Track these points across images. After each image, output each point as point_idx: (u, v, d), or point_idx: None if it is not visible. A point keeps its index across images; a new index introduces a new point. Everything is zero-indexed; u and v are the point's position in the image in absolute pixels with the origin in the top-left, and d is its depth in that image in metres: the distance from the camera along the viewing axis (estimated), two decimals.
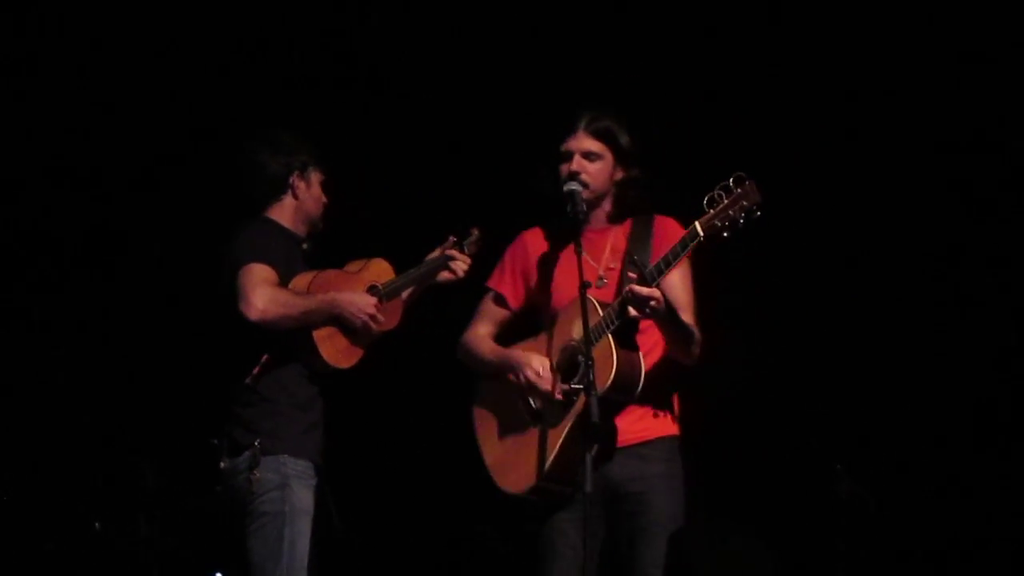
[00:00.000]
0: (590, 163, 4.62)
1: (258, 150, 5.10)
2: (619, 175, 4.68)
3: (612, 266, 4.63)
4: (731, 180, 4.32)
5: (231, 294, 4.85)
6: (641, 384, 4.45)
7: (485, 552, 6.44)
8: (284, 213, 5.09)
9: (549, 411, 4.55)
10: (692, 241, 4.33)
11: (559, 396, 4.50)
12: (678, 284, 4.50)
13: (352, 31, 6.70)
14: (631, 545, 4.50)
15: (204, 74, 6.67)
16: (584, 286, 4.33)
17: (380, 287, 5.03)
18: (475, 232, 5.24)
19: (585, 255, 4.42)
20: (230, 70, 6.66)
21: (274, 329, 4.82)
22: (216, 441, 4.93)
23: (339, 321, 4.91)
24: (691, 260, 4.48)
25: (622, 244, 4.66)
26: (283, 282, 4.89)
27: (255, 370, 4.85)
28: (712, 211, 4.33)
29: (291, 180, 5.09)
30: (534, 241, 4.79)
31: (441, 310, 5.09)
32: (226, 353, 4.96)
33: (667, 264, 4.35)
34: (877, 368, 6.29)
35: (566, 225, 4.65)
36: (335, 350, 4.91)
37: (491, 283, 4.84)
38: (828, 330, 6.32)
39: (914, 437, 6.25)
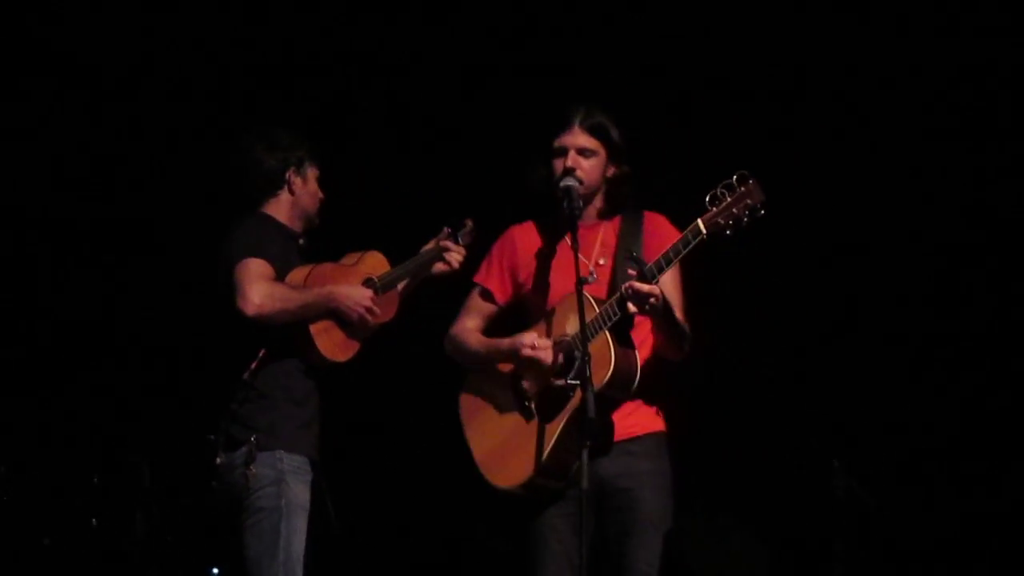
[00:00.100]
0: (585, 159, 4.61)
1: (254, 146, 5.09)
2: (611, 171, 4.67)
3: (602, 262, 4.62)
4: (734, 178, 4.31)
5: (228, 290, 4.84)
6: (637, 381, 4.45)
7: (481, 547, 6.44)
8: (280, 209, 5.09)
9: (543, 406, 4.54)
10: (695, 239, 4.32)
11: (559, 382, 4.47)
12: (669, 281, 4.48)
13: (347, 26, 6.69)
14: (620, 541, 4.49)
15: (201, 71, 6.66)
16: (581, 282, 4.32)
17: (376, 280, 5.03)
18: (469, 223, 5.24)
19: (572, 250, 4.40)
20: (226, 67, 6.65)
21: (271, 324, 4.81)
22: (212, 437, 4.91)
23: (336, 315, 4.91)
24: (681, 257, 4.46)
25: (612, 240, 4.65)
26: (280, 277, 4.88)
27: (252, 365, 4.84)
28: (715, 209, 4.31)
29: (287, 176, 5.09)
30: (522, 236, 4.78)
31: (437, 302, 5.08)
32: (223, 348, 4.94)
33: (668, 261, 4.34)
34: (876, 365, 6.30)
35: (556, 220, 4.65)
36: (332, 344, 4.91)
37: (478, 278, 4.83)
38: (826, 327, 6.33)
39: (912, 434, 6.25)
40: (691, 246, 4.33)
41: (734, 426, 6.26)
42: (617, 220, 4.68)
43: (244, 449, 4.80)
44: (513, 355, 4.58)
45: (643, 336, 4.54)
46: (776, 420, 6.25)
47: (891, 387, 6.28)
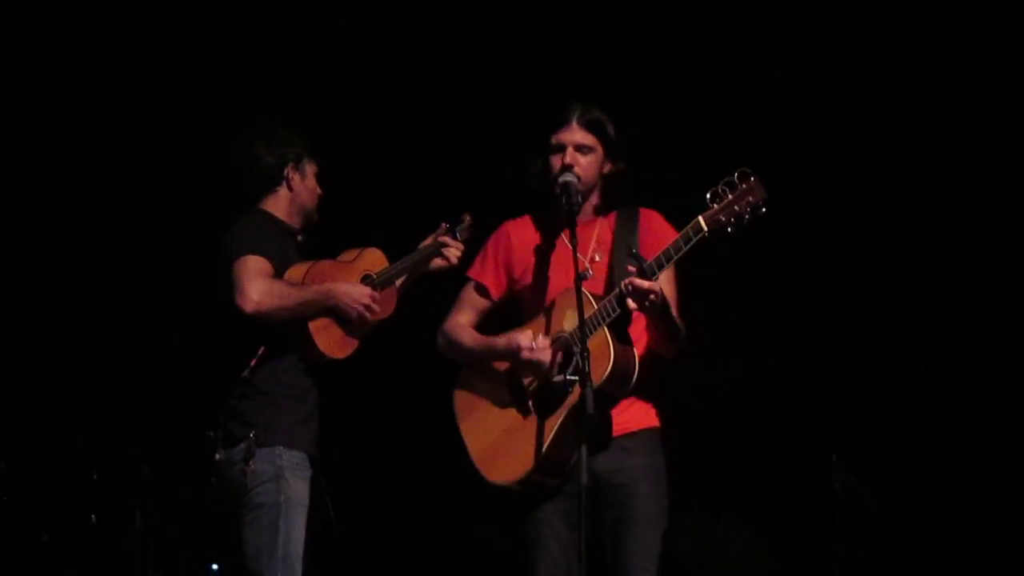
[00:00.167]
0: (582, 155, 4.59)
1: (252, 142, 5.08)
2: (607, 168, 4.66)
3: (597, 258, 4.61)
4: (735, 175, 4.29)
5: (226, 287, 4.83)
6: (635, 377, 4.45)
7: (479, 543, 6.44)
8: (279, 205, 5.08)
9: (540, 401, 4.53)
10: (696, 236, 4.29)
11: (557, 379, 4.47)
12: (664, 279, 4.44)
13: (344, 22, 6.68)
14: (615, 536, 4.47)
15: (198, 67, 6.64)
16: (580, 278, 4.31)
17: (374, 276, 5.03)
18: (467, 218, 5.22)
19: (571, 247, 4.39)
20: (223, 63, 6.63)
21: (269, 321, 4.81)
22: (211, 433, 4.91)
23: (334, 312, 4.91)
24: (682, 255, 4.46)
25: (607, 237, 4.64)
26: (278, 274, 4.88)
27: (252, 362, 4.84)
28: (716, 206, 4.29)
29: (286, 172, 5.08)
30: (517, 231, 4.76)
31: (435, 298, 5.07)
32: (222, 345, 4.94)
33: (668, 258, 4.32)
34: (875, 361, 6.30)
35: (552, 216, 4.64)
36: (330, 341, 4.91)
37: (471, 272, 4.81)
38: (824, 324, 6.33)
39: (911, 430, 6.26)
40: (692, 243, 4.30)
41: (733, 423, 6.26)
42: (612, 217, 4.67)
43: (243, 445, 4.79)
44: (509, 355, 4.57)
45: (638, 333, 4.53)
46: (775, 417, 6.25)
47: (890, 383, 6.28)
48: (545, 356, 4.49)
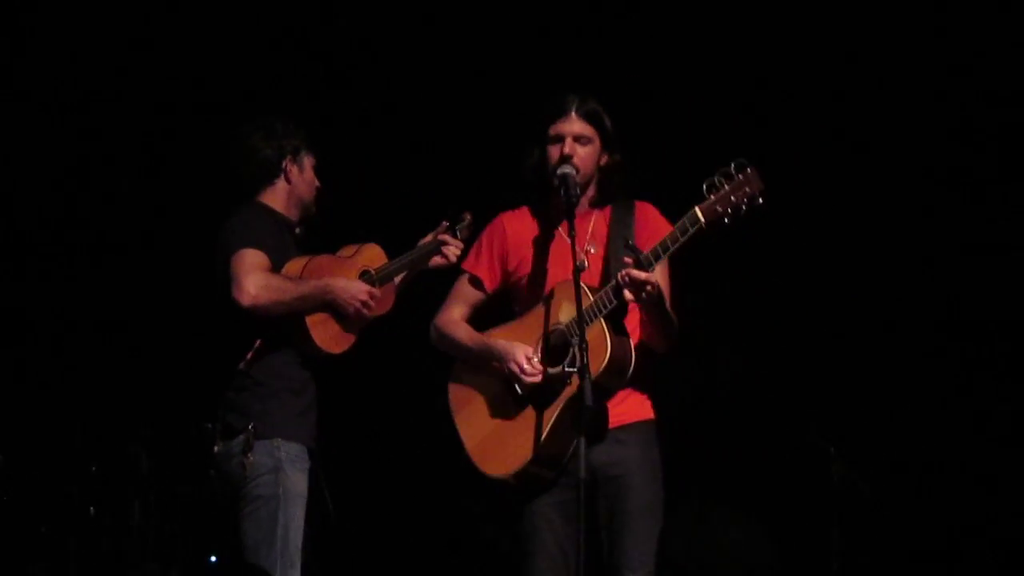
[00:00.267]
0: (581, 146, 4.59)
1: (251, 135, 5.07)
2: (603, 160, 4.66)
3: (592, 250, 4.61)
4: (732, 166, 4.28)
5: (223, 280, 4.83)
6: (632, 369, 4.45)
7: (477, 536, 6.44)
8: (277, 198, 5.07)
9: (537, 394, 4.53)
10: (693, 227, 4.28)
11: (554, 371, 4.46)
12: (658, 272, 4.44)
13: (344, 18, 6.68)
14: (611, 529, 4.48)
15: (196, 61, 6.64)
16: (578, 270, 4.31)
17: (373, 272, 5.02)
18: (467, 217, 5.21)
19: (568, 239, 4.39)
20: (221, 56, 6.63)
21: (266, 315, 4.80)
22: (210, 425, 4.92)
23: (332, 307, 4.90)
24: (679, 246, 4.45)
25: (603, 229, 4.63)
26: (276, 267, 4.87)
27: (248, 355, 4.84)
28: (713, 197, 4.28)
29: (284, 164, 5.07)
30: (512, 223, 4.76)
31: (434, 296, 5.07)
32: (219, 338, 4.94)
33: (665, 249, 4.32)
34: (873, 353, 6.30)
35: (549, 208, 4.64)
36: (327, 335, 4.90)
37: (467, 265, 4.81)
38: (822, 316, 6.32)
39: (909, 423, 6.25)
40: (689, 235, 4.29)
41: (731, 415, 6.26)
42: (608, 209, 4.67)
43: (241, 437, 4.79)
44: (503, 364, 4.56)
45: (632, 326, 4.53)
46: (773, 409, 6.25)
47: (889, 376, 6.28)
48: (536, 379, 4.49)
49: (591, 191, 4.67)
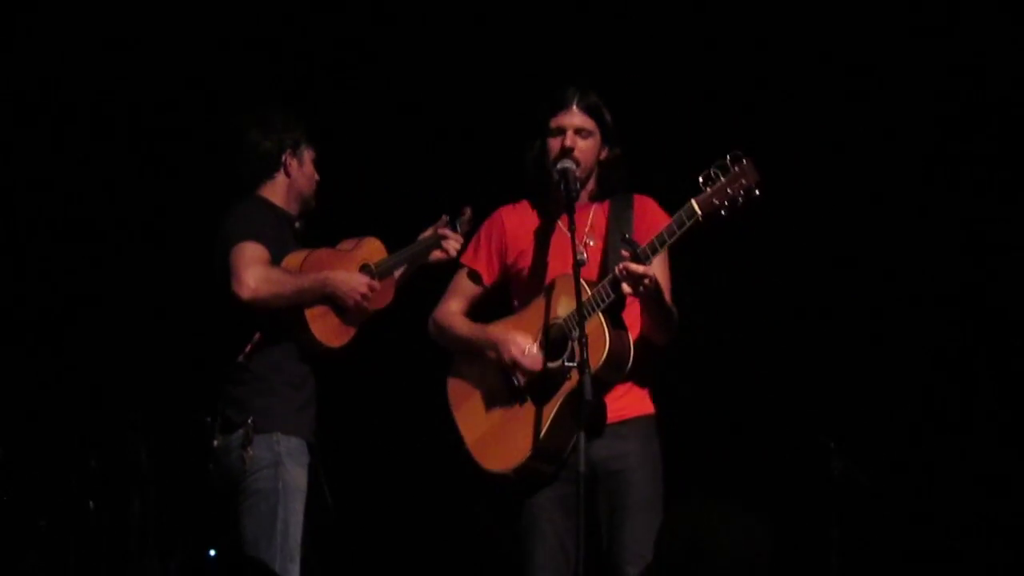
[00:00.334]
0: (582, 139, 4.60)
1: (250, 128, 5.08)
2: (603, 154, 4.66)
3: (591, 244, 4.61)
4: (727, 158, 4.28)
5: (223, 273, 4.83)
6: (631, 363, 4.44)
7: (477, 531, 6.44)
8: (276, 191, 5.07)
9: (536, 389, 4.53)
10: (690, 220, 4.28)
11: (553, 365, 4.47)
12: (657, 264, 4.44)
13: (343, 10, 6.68)
14: (611, 523, 4.49)
15: (195, 54, 6.64)
16: (578, 264, 4.31)
17: (372, 266, 5.02)
18: (467, 211, 5.22)
19: (567, 233, 4.39)
20: (220, 49, 6.63)
21: (265, 308, 4.80)
22: (209, 419, 4.92)
23: (331, 300, 4.90)
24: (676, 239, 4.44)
25: (602, 222, 4.63)
26: (275, 260, 4.87)
27: (247, 348, 4.84)
28: (710, 189, 4.28)
29: (283, 158, 5.07)
30: (511, 217, 4.76)
31: (433, 290, 5.08)
32: (218, 331, 4.94)
33: (662, 243, 4.32)
34: (873, 347, 6.29)
35: (548, 201, 4.64)
36: (327, 329, 4.90)
37: (465, 259, 4.82)
38: (822, 308, 6.32)
39: (909, 415, 6.25)
40: (686, 228, 4.29)
41: (730, 409, 6.25)
42: (607, 203, 4.67)
43: (241, 431, 4.80)
44: (501, 351, 4.56)
45: (631, 320, 4.53)
46: (772, 402, 6.24)
47: (888, 369, 6.27)
48: (536, 366, 4.49)
49: (591, 184, 4.67)
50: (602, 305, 4.39)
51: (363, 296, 4.91)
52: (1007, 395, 6.19)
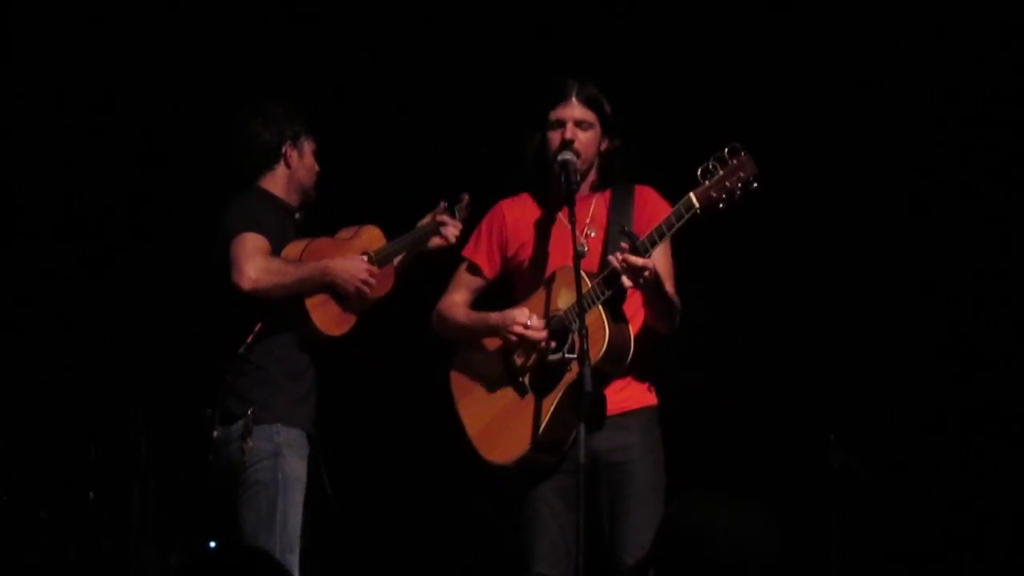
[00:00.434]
0: (582, 131, 4.61)
1: (250, 120, 5.07)
2: (604, 145, 4.66)
3: (592, 235, 4.61)
4: (725, 151, 4.29)
5: (224, 264, 4.84)
6: (631, 355, 4.44)
7: (478, 522, 6.44)
8: (276, 183, 5.08)
9: (537, 380, 4.53)
10: (688, 213, 4.30)
11: (554, 357, 4.47)
12: (660, 255, 4.46)
13: (341, 1, 6.68)
14: (613, 514, 4.50)
15: (194, 46, 6.64)
16: (578, 256, 4.31)
17: (372, 254, 5.02)
18: (465, 197, 5.22)
19: (567, 224, 4.39)
20: (219, 43, 6.62)
21: (267, 298, 4.80)
22: (209, 410, 4.91)
23: (332, 289, 4.91)
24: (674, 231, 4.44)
25: (602, 213, 4.64)
26: (276, 252, 4.88)
27: (248, 339, 4.84)
28: (708, 182, 4.29)
29: (283, 149, 5.07)
30: (512, 210, 4.77)
31: (433, 277, 5.08)
32: (219, 322, 4.94)
33: (660, 235, 4.33)
34: (873, 339, 6.29)
35: (549, 193, 4.64)
36: (327, 318, 4.91)
37: (467, 252, 4.83)
38: (822, 300, 6.31)
39: (909, 409, 6.24)
40: (684, 220, 4.31)
41: (730, 402, 6.25)
42: (607, 193, 4.68)
43: (241, 422, 4.79)
44: (503, 330, 4.57)
45: (633, 310, 4.53)
46: (772, 395, 6.24)
47: (888, 362, 6.27)
48: (540, 335, 4.50)
49: (591, 176, 4.69)
50: (602, 297, 4.39)
51: (363, 282, 4.92)
52: (1007, 388, 6.18)
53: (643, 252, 4.29)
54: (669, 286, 4.50)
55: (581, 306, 4.27)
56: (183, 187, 6.47)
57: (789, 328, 6.30)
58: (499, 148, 4.97)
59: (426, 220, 5.19)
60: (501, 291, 4.79)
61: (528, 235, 4.71)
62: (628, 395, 4.56)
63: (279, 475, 4.79)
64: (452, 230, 5.14)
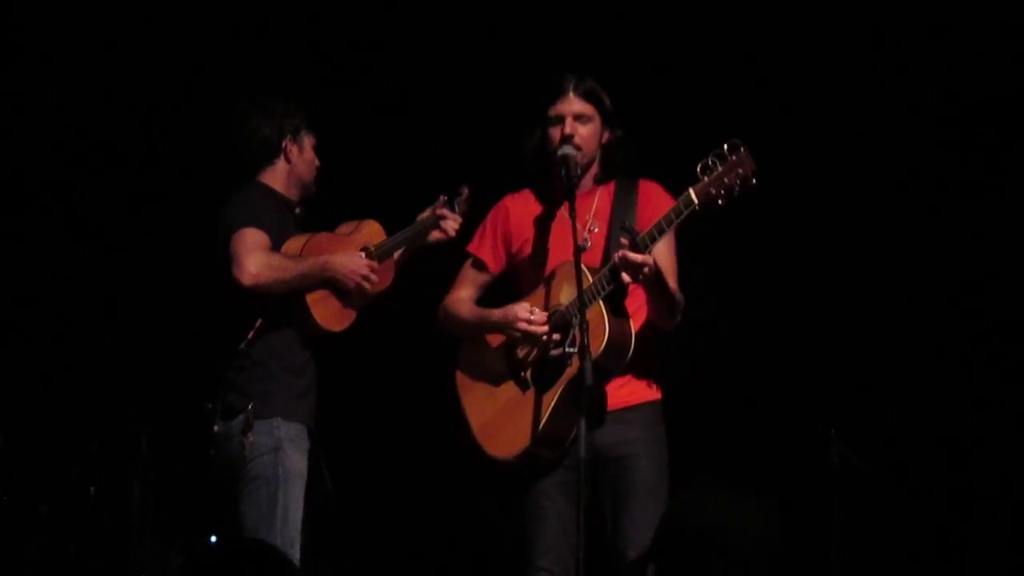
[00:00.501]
0: (582, 125, 4.60)
1: (250, 114, 5.07)
2: (605, 137, 4.66)
3: (595, 229, 4.61)
4: (725, 147, 4.29)
5: (224, 259, 4.84)
6: (632, 351, 4.44)
7: (479, 517, 6.44)
8: (277, 178, 5.07)
9: (539, 374, 4.53)
10: (687, 209, 4.30)
11: (555, 352, 4.47)
12: (663, 250, 4.46)
13: None
14: (615, 509, 4.50)
15: (194, 41, 6.63)
16: (579, 250, 4.31)
17: (372, 249, 5.02)
18: (465, 191, 5.21)
19: (569, 219, 4.39)
20: (218, 38, 6.62)
21: (267, 293, 4.80)
22: (210, 405, 4.91)
23: (332, 284, 4.91)
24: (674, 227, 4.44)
25: (606, 207, 4.64)
26: (276, 246, 4.88)
27: (249, 334, 4.84)
28: (707, 178, 4.29)
29: (284, 144, 5.07)
30: (516, 205, 4.77)
31: (433, 271, 5.08)
32: (220, 318, 4.94)
33: (660, 231, 4.33)
34: (872, 333, 6.29)
35: (551, 188, 4.64)
36: (328, 313, 4.91)
37: (471, 248, 4.83)
38: (822, 295, 6.31)
39: (909, 403, 6.24)
40: (683, 216, 4.31)
41: (730, 396, 6.25)
42: (611, 187, 4.68)
43: (241, 417, 4.79)
44: (506, 325, 4.58)
45: (637, 306, 4.53)
46: (772, 390, 6.24)
47: (888, 356, 6.27)
48: (541, 329, 4.50)
49: (594, 169, 4.69)
50: (602, 293, 4.39)
51: (364, 277, 4.91)
52: (1006, 384, 6.18)
53: (643, 248, 4.29)
54: (672, 282, 4.49)
55: (582, 300, 4.26)
56: (183, 183, 6.47)
57: (789, 322, 6.30)
58: (499, 144, 4.96)
59: (426, 214, 5.19)
60: (507, 286, 4.79)
61: (531, 230, 4.71)
62: (631, 390, 4.56)
63: (280, 470, 4.79)
64: (452, 224, 5.14)
